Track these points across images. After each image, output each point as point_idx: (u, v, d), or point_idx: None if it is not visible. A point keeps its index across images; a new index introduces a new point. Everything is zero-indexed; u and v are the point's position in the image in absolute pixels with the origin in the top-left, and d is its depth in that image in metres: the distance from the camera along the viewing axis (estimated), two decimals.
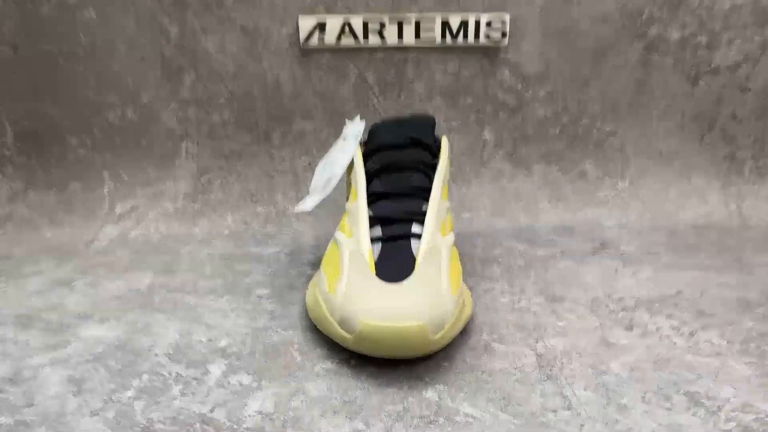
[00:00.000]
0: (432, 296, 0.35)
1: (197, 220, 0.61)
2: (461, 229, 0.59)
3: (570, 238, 0.57)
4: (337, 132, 0.63)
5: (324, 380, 0.35)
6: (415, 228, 0.40)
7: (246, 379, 0.35)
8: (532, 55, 0.61)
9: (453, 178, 0.63)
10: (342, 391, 0.34)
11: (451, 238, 0.41)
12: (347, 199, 0.46)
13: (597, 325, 0.41)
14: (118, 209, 0.62)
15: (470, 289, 0.46)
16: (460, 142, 0.63)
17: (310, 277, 0.49)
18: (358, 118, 0.48)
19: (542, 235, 0.58)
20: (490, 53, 0.61)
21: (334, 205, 0.59)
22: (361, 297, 0.35)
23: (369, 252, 0.38)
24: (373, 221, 0.41)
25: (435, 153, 0.45)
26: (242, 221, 0.61)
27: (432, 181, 0.43)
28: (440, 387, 0.34)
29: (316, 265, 0.52)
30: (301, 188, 0.63)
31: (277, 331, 0.41)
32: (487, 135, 0.63)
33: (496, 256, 0.53)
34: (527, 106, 0.62)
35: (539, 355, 0.37)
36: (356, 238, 0.40)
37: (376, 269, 0.38)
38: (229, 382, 0.35)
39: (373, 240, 0.40)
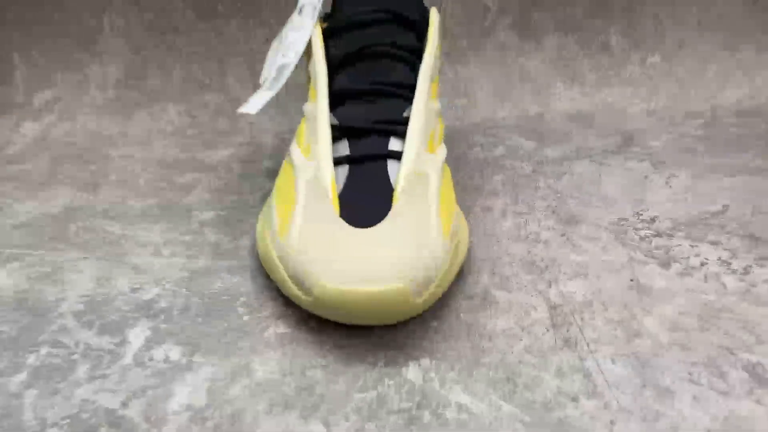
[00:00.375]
0: (415, 246, 0.26)
1: (133, 113, 0.50)
2: (454, 122, 0.49)
3: (588, 131, 0.47)
4: None
5: (275, 353, 0.27)
6: (394, 144, 0.30)
7: (175, 353, 0.27)
8: None
9: (446, 53, 0.51)
10: (298, 370, 0.26)
11: (441, 154, 0.31)
12: (307, 96, 0.36)
13: (625, 259, 0.32)
14: (36, 101, 0.51)
15: (465, 208, 0.37)
16: (455, 9, 0.50)
17: (267, 195, 0.39)
18: None
19: (554, 128, 0.47)
20: None
21: (304, 90, 0.47)
22: (318, 249, 0.26)
23: (331, 180, 0.29)
24: (337, 132, 0.31)
25: (421, 32, 0.34)
26: (188, 114, 0.50)
27: (417, 74, 0.32)
28: (426, 362, 0.26)
29: (275, 176, 0.42)
30: (257, 71, 0.51)
31: (220, 276, 0.32)
32: None
33: (497, 158, 0.43)
34: None
35: (553, 308, 0.29)
36: (315, 158, 0.30)
37: (340, 205, 0.28)
38: (152, 358, 0.27)
39: (337, 161, 0.30)
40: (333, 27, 0.33)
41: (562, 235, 0.35)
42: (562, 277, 0.31)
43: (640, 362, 0.26)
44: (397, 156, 0.30)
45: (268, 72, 0.37)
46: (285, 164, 0.33)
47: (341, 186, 0.29)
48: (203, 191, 0.40)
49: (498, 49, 0.51)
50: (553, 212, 0.37)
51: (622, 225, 0.35)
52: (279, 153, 0.45)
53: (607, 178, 0.40)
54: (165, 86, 0.51)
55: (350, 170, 0.30)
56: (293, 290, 0.27)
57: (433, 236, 0.27)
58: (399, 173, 0.28)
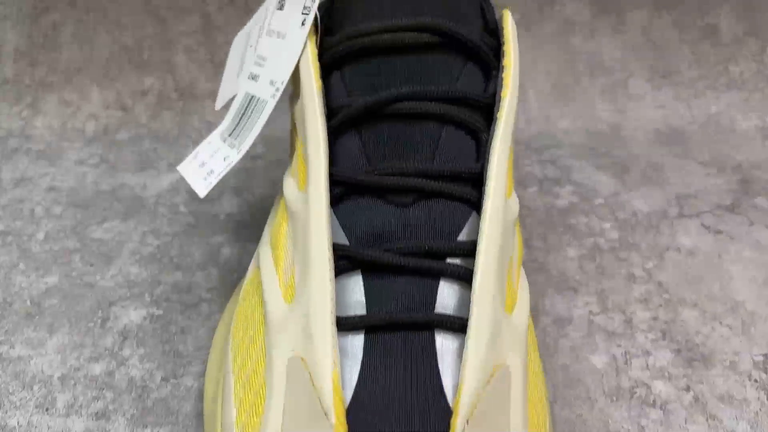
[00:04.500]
0: None
1: (37, 102, 0.35)
2: None
3: (686, 162, 0.33)
4: None
5: None
6: (445, 293, 0.17)
7: None
8: None
9: None
10: None
11: (523, 310, 0.18)
12: (290, 156, 0.22)
13: None
14: None
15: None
16: None
17: (232, 278, 0.26)
18: None
19: (638, 153, 0.34)
20: None
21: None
22: None
23: (333, 376, 0.15)
24: (345, 261, 0.17)
25: (490, 58, 0.19)
26: (118, 104, 0.35)
27: (484, 148, 0.18)
28: None
29: (253, 230, 0.28)
30: (217, 43, 0.36)
31: None
32: None
33: (565, 211, 0.30)
34: None
35: None
36: (302, 314, 0.16)
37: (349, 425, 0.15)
38: None
39: (345, 324, 0.16)
40: (336, 51, 0.19)
41: (687, 389, 0.22)
42: None
43: None
44: (453, 325, 0.16)
45: (227, 94, 0.23)
46: (248, 286, 0.19)
47: (353, 383, 0.16)
48: (130, 260, 0.27)
49: (561, 27, 0.36)
50: (664, 335, 0.24)
51: None
52: (246, 186, 0.31)
53: (732, 264, 0.27)
54: (84, 61, 0.35)
55: (367, 345, 0.16)
56: None
57: None
58: (462, 373, 0.15)
